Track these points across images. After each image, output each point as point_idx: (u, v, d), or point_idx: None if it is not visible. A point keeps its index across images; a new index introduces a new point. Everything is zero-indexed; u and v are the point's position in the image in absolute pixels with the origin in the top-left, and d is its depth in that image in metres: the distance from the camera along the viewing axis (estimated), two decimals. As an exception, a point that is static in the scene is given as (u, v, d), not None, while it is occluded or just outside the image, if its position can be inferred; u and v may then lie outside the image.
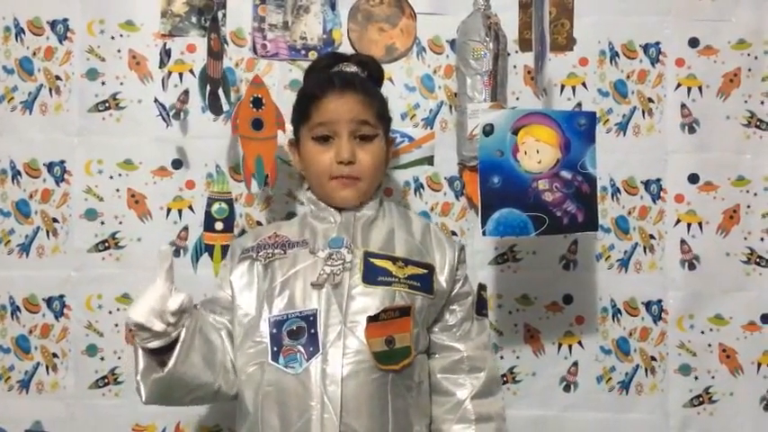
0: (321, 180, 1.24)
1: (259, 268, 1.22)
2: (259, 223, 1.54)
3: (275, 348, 1.15)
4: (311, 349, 1.14)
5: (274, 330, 1.16)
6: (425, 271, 1.23)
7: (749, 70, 1.57)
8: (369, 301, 1.16)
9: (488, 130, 1.28)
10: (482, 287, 1.34)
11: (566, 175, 1.30)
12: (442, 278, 1.25)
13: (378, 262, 1.20)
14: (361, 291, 1.17)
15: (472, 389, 1.24)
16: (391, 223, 1.28)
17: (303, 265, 1.20)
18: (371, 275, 1.18)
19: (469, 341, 1.27)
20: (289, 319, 1.16)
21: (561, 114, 1.32)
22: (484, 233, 1.27)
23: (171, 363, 1.07)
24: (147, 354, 1.08)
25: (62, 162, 1.54)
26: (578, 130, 1.31)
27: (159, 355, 1.08)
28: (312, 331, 1.14)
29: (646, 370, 1.56)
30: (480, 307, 1.32)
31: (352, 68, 1.30)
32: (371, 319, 1.15)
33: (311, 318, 1.15)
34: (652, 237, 1.57)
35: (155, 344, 1.06)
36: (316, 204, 1.28)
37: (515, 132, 1.29)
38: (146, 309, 1.04)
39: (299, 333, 1.15)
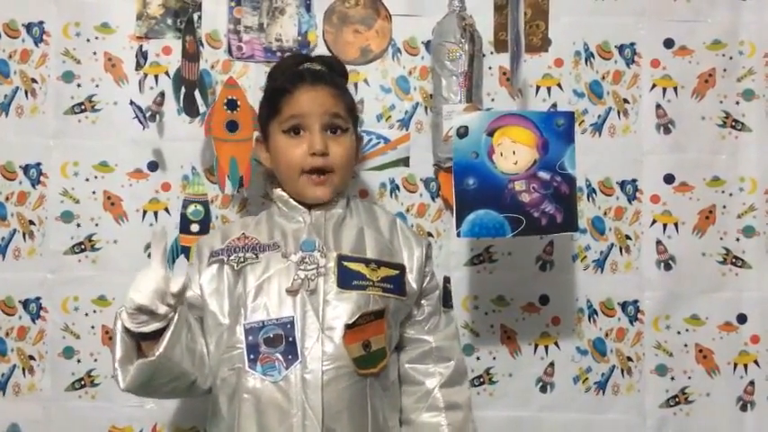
0: (292, 174, 1.23)
1: (229, 272, 1.21)
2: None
3: (252, 356, 1.14)
4: (290, 357, 1.13)
5: (250, 338, 1.15)
6: (397, 272, 1.24)
7: (724, 71, 1.57)
8: (345, 306, 1.16)
9: (462, 133, 1.28)
10: (446, 280, 1.35)
11: (543, 175, 1.30)
12: (411, 278, 1.26)
13: (352, 265, 1.20)
14: (336, 296, 1.17)
15: (441, 378, 1.26)
16: (360, 221, 1.28)
17: (276, 270, 1.20)
18: (346, 280, 1.18)
19: (438, 332, 1.29)
20: (265, 327, 1.15)
21: (538, 115, 1.32)
22: (458, 234, 1.27)
23: (162, 347, 1.06)
24: (129, 339, 1.08)
25: (38, 164, 1.54)
26: (556, 131, 1.31)
27: (141, 341, 1.08)
28: (290, 339, 1.14)
29: (622, 370, 1.56)
30: (446, 299, 1.33)
31: (318, 67, 1.29)
32: (349, 327, 1.15)
33: (288, 325, 1.15)
34: (628, 237, 1.57)
35: (152, 327, 1.06)
36: (285, 203, 1.27)
37: (491, 134, 1.29)
38: (149, 290, 1.04)
39: (276, 341, 1.15)
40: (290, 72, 1.27)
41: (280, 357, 1.14)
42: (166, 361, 1.08)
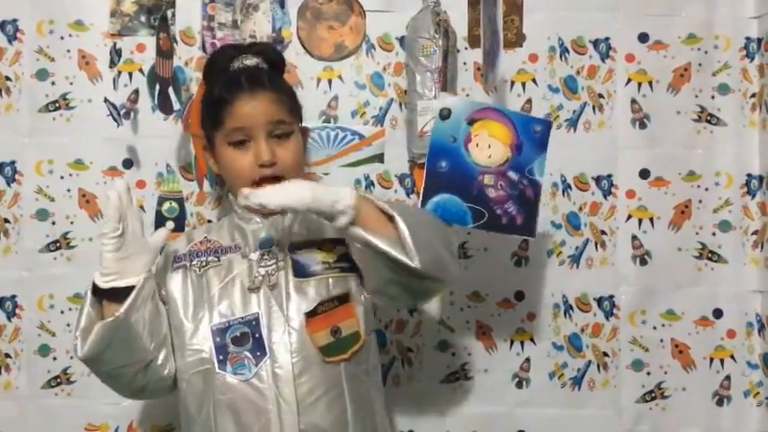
0: (242, 185, 1.19)
1: (193, 276, 1.21)
2: (210, 222, 1.54)
3: (221, 357, 1.15)
4: (258, 354, 1.14)
5: (218, 339, 1.15)
6: None
7: (699, 65, 1.57)
8: (305, 295, 1.16)
9: (445, 114, 1.27)
10: None
11: (512, 175, 1.29)
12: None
13: (304, 253, 1.19)
14: (295, 287, 1.17)
15: None
16: None
17: (238, 271, 1.20)
18: (302, 269, 1.18)
19: None
20: (231, 326, 1.16)
21: (519, 116, 1.32)
22: None
23: (125, 307, 1.10)
24: (93, 314, 1.11)
25: (13, 162, 1.54)
26: (532, 136, 1.30)
27: (104, 313, 1.12)
28: (257, 335, 1.14)
29: (598, 366, 1.56)
30: None
31: (253, 60, 1.26)
32: (310, 315, 1.15)
33: (254, 322, 1.15)
34: (603, 232, 1.57)
35: (122, 282, 1.11)
36: (240, 208, 1.25)
37: (471, 123, 1.28)
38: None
39: (243, 339, 1.15)
40: (227, 78, 1.23)
41: (248, 355, 1.14)
42: (128, 326, 1.11)
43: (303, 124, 1.31)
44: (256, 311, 1.16)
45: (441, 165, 1.26)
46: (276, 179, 1.20)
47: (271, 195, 1.07)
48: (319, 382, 1.13)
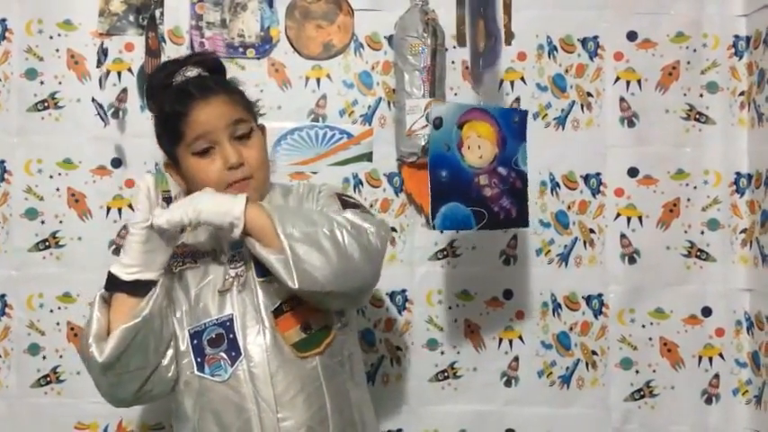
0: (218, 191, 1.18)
1: (174, 281, 1.21)
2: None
3: (199, 359, 1.16)
4: (233, 354, 1.14)
5: (195, 341, 1.16)
6: None
7: (688, 63, 1.57)
8: (271, 294, 1.16)
9: (438, 124, 1.27)
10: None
11: (502, 171, 1.31)
12: None
13: None
14: (261, 286, 1.17)
15: None
16: (278, 202, 1.25)
17: (213, 275, 1.20)
18: (262, 267, 1.15)
19: None
20: (206, 329, 1.16)
21: (499, 111, 1.33)
22: (433, 227, 1.27)
23: (150, 305, 1.10)
24: (102, 319, 1.10)
25: (2, 162, 1.54)
26: (513, 127, 1.32)
27: (124, 299, 1.10)
28: (231, 336, 1.15)
29: (587, 364, 1.57)
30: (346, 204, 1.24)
31: (194, 71, 1.22)
32: (277, 313, 1.15)
33: (228, 323, 1.15)
34: (592, 231, 1.57)
35: (145, 275, 1.09)
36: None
37: (460, 127, 1.29)
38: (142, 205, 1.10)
39: (218, 340, 1.15)
40: (174, 92, 1.21)
41: (224, 356, 1.14)
42: (149, 326, 1.10)
43: (261, 122, 1.28)
44: (230, 313, 1.16)
45: (441, 174, 1.27)
46: (246, 181, 1.19)
47: (162, 216, 1.09)
48: (296, 379, 1.13)
